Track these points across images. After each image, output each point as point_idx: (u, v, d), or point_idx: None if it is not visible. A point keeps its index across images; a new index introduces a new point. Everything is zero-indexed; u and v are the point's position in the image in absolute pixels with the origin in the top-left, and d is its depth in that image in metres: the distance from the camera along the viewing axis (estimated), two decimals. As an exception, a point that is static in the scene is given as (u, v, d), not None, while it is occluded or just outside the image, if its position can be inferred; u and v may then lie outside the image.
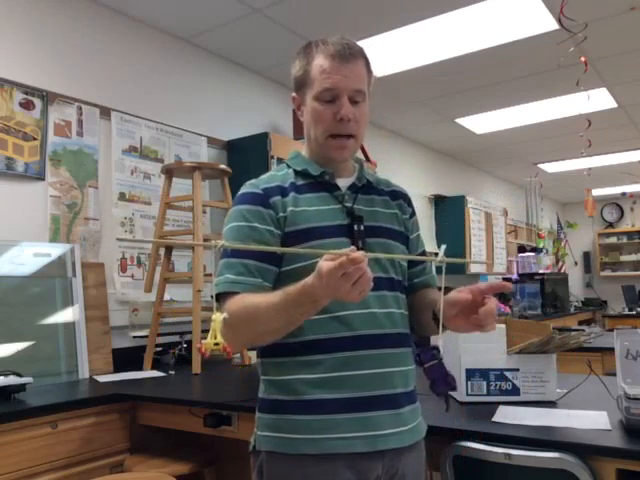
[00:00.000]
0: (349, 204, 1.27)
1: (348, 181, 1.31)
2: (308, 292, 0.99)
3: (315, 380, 1.17)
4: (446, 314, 1.13)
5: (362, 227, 1.25)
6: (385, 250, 1.26)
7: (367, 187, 1.33)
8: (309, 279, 0.99)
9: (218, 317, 0.94)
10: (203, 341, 0.93)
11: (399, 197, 1.38)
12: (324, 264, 0.94)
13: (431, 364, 1.10)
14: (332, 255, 0.94)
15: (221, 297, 1.18)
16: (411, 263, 1.35)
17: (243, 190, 1.27)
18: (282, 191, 1.25)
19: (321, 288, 0.96)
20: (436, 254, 1.14)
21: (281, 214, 1.22)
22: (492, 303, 1.09)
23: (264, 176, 1.30)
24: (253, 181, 1.28)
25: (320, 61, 1.22)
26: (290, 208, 1.22)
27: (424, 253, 1.41)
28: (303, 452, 1.15)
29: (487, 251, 6.14)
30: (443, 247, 1.10)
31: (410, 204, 1.40)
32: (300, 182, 1.27)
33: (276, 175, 1.29)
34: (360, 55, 1.25)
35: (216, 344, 0.92)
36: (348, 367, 1.17)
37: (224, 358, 2.96)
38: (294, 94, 1.31)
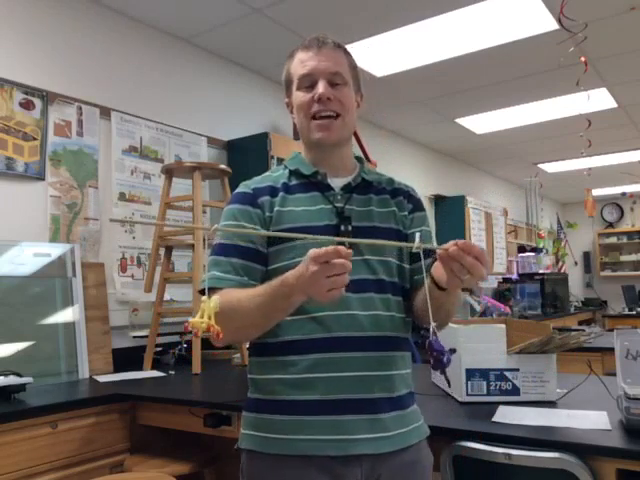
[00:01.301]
0: (340, 204, 1.26)
1: (344, 181, 1.30)
2: (285, 283, 1.02)
3: (290, 380, 1.17)
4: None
5: (350, 227, 1.24)
6: (377, 250, 1.24)
7: (365, 186, 1.32)
8: (290, 272, 1.03)
9: (207, 300, 0.95)
10: (190, 319, 0.94)
11: (399, 194, 1.35)
12: (312, 250, 0.97)
13: (427, 344, 1.08)
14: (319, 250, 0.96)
15: (207, 293, 1.18)
16: (412, 260, 1.31)
17: (237, 190, 1.31)
18: (272, 191, 1.27)
19: (301, 278, 0.99)
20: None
21: (267, 214, 1.24)
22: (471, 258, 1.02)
23: (259, 177, 1.33)
24: (247, 182, 1.31)
25: (298, 56, 1.29)
26: (277, 208, 1.24)
27: (433, 250, 1.36)
28: (277, 452, 1.16)
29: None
30: (418, 234, 1.09)
31: (410, 200, 1.36)
32: (293, 182, 1.29)
33: (270, 175, 1.32)
34: (337, 46, 1.29)
35: (202, 324, 0.94)
36: (321, 369, 1.15)
37: (223, 358, 2.96)
38: (286, 99, 1.35)
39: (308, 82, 1.25)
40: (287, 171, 1.32)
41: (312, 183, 1.29)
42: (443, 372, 1.09)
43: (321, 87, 1.23)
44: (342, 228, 1.23)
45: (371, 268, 1.23)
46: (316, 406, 1.15)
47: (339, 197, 1.27)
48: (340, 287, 0.97)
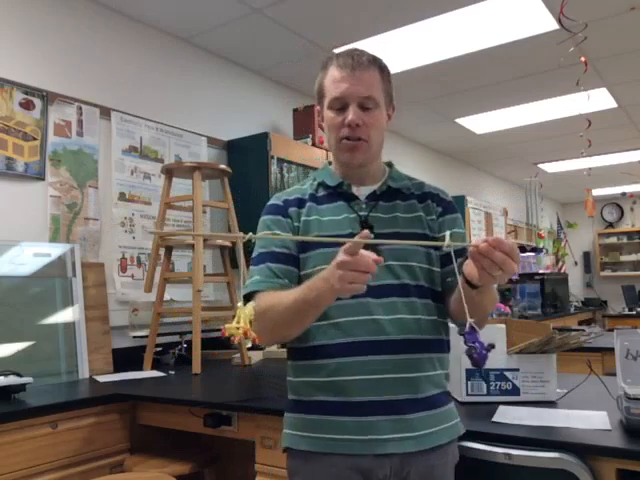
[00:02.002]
0: (364, 213, 1.30)
1: (369, 189, 1.34)
2: (316, 277, 1.09)
3: (318, 383, 1.24)
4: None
5: (372, 235, 1.25)
6: (400, 255, 1.27)
7: (391, 193, 1.34)
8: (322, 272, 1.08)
9: (242, 307, 0.97)
10: (226, 325, 0.96)
11: (427, 198, 1.37)
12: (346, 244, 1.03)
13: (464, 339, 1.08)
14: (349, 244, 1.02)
15: (251, 297, 1.25)
16: (443, 263, 1.31)
17: (269, 202, 1.39)
18: (299, 203, 1.34)
19: (329, 269, 1.04)
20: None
21: (296, 223, 1.32)
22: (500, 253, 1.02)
23: (289, 189, 1.42)
24: (278, 194, 1.40)
25: (331, 72, 1.30)
26: (303, 218, 1.32)
27: (466, 251, 1.32)
28: (306, 449, 1.23)
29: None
30: (448, 232, 1.09)
31: (440, 203, 1.37)
32: (321, 193, 1.36)
33: (299, 188, 1.39)
34: (371, 64, 1.30)
35: (238, 329, 0.96)
36: (345, 372, 1.21)
37: (223, 358, 2.96)
38: (317, 107, 1.38)
39: (339, 105, 1.28)
40: (315, 183, 1.38)
41: (338, 193, 1.34)
42: (477, 367, 1.09)
43: (351, 113, 1.26)
44: None
45: (394, 273, 1.25)
46: (342, 407, 1.20)
47: (364, 206, 1.32)
48: (360, 283, 1.01)
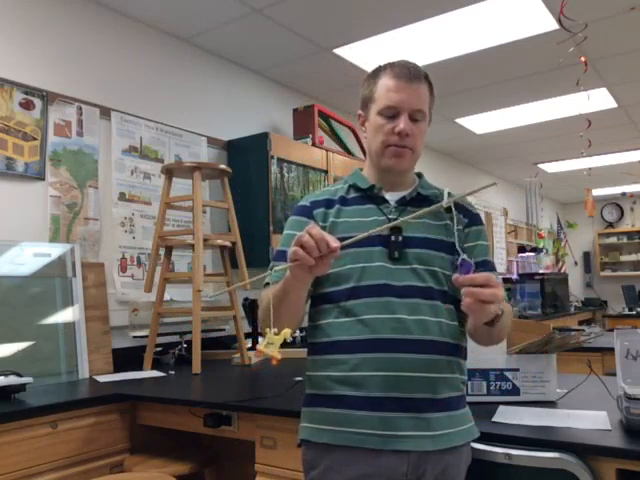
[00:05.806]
0: (393, 216, 1.34)
1: (399, 195, 1.38)
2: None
3: (340, 377, 1.26)
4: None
5: (400, 238, 1.30)
6: (425, 260, 1.30)
7: (420, 200, 1.38)
8: None
9: (269, 332, 1.07)
10: (258, 346, 1.07)
11: (455, 208, 1.39)
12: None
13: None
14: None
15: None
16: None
17: (298, 203, 1.44)
18: (328, 203, 1.38)
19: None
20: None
21: (321, 224, 1.35)
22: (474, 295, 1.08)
23: (319, 190, 1.47)
24: (308, 195, 1.46)
25: (386, 80, 1.34)
26: (331, 219, 1.36)
27: (486, 263, 1.38)
28: (325, 441, 1.25)
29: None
30: (446, 190, 1.12)
31: (466, 214, 1.41)
32: (351, 195, 1.40)
33: (329, 189, 1.44)
34: (424, 78, 1.35)
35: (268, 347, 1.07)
36: (367, 367, 1.23)
37: (223, 358, 2.97)
38: (360, 112, 1.42)
39: (391, 113, 1.32)
40: (346, 185, 1.42)
41: (368, 196, 1.38)
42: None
43: (402, 123, 1.30)
44: (392, 238, 1.30)
45: (419, 276, 1.28)
46: (363, 402, 1.22)
47: (393, 209, 1.36)
48: (300, 258, 1.08)
